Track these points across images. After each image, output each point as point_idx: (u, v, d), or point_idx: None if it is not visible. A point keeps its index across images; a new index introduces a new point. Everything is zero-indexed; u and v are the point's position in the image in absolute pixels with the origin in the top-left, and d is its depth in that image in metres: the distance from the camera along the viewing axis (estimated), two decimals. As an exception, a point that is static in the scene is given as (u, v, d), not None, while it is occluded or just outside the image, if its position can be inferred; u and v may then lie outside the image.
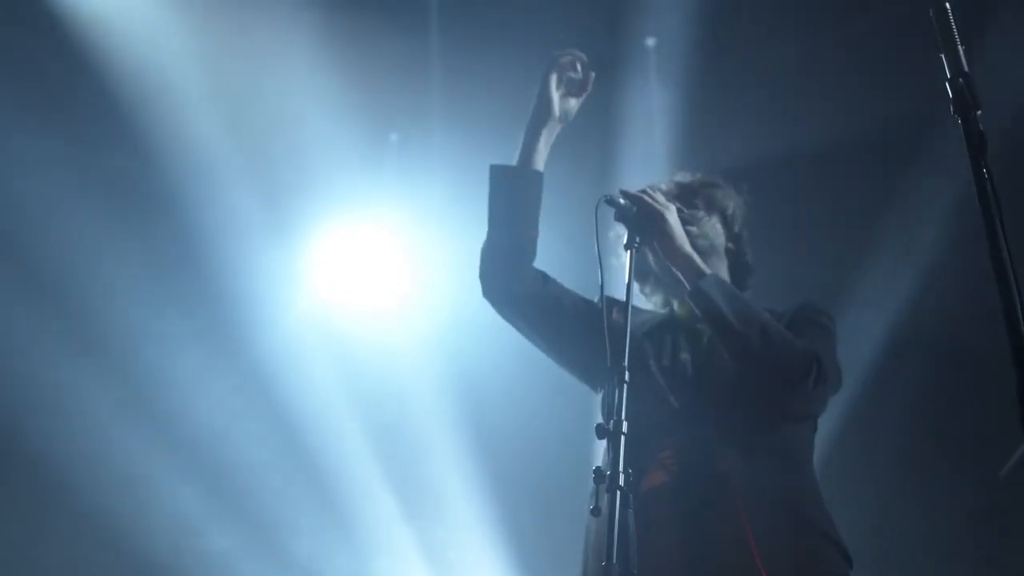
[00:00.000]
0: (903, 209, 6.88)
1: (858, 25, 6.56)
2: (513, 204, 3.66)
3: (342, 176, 7.42)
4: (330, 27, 6.70)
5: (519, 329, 3.72)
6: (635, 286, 3.64)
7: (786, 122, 6.85)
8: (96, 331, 7.29)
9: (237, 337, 7.59)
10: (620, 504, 2.79)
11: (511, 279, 3.64)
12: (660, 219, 3.44)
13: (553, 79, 3.68)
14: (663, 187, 3.74)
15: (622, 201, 3.42)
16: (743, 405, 3.36)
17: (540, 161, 3.70)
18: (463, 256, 7.38)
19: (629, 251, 3.32)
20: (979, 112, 2.40)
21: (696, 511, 3.25)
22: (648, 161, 6.94)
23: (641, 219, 3.41)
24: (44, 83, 6.91)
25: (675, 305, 3.74)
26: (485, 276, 3.67)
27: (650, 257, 3.61)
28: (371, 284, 7.89)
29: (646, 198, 3.47)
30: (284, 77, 6.94)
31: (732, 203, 3.78)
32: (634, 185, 3.58)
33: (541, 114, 3.68)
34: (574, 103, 3.72)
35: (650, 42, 7.35)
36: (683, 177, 3.83)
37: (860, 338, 6.77)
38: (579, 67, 3.70)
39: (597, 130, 6.91)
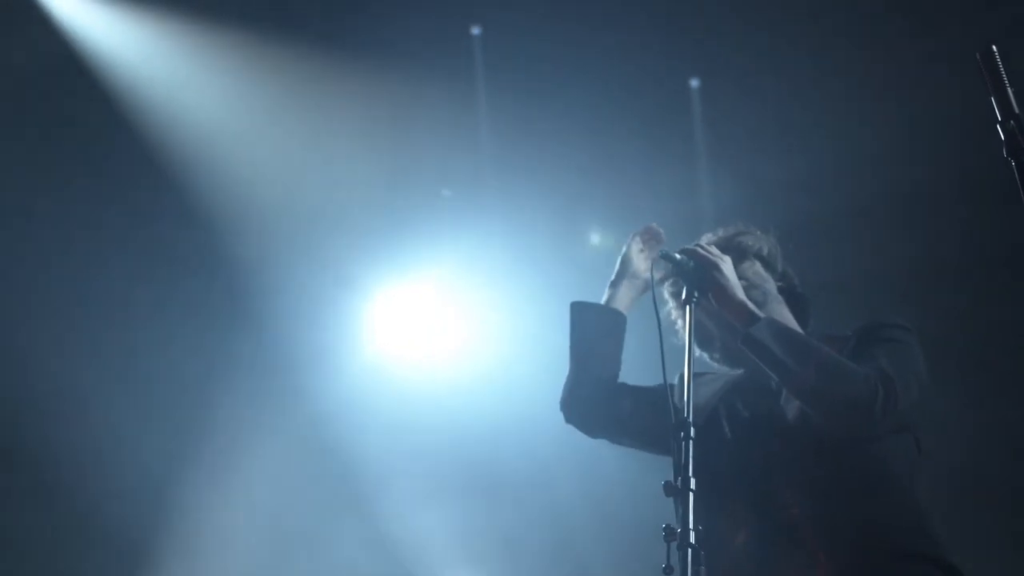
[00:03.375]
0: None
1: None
2: (593, 342, 3.73)
3: (398, 232, 7.52)
4: (379, 88, 6.81)
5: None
6: (703, 354, 3.70)
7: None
8: (161, 389, 7.44)
9: (299, 391, 7.67)
10: (692, 561, 2.80)
11: (593, 416, 3.74)
12: (715, 268, 3.45)
13: (637, 243, 3.83)
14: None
15: (678, 256, 3.45)
16: (813, 447, 3.35)
17: (622, 305, 3.78)
18: (515, 305, 7.57)
19: (688, 306, 3.35)
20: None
21: (770, 564, 3.26)
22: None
23: (697, 271, 3.43)
24: (108, 157, 7.07)
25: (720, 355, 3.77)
26: (567, 412, 3.76)
27: (706, 316, 3.61)
28: (427, 336, 7.95)
29: (700, 250, 3.50)
30: (337, 138, 7.04)
31: (765, 245, 3.80)
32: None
33: (623, 269, 3.81)
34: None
35: (694, 83, 7.38)
36: (713, 236, 3.84)
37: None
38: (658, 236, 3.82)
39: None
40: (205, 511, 7.38)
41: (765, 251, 3.78)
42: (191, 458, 7.46)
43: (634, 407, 3.65)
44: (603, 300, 3.79)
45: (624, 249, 3.82)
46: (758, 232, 3.83)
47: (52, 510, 7.19)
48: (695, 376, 3.30)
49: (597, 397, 3.70)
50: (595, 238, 7.72)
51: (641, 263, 3.78)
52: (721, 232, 3.83)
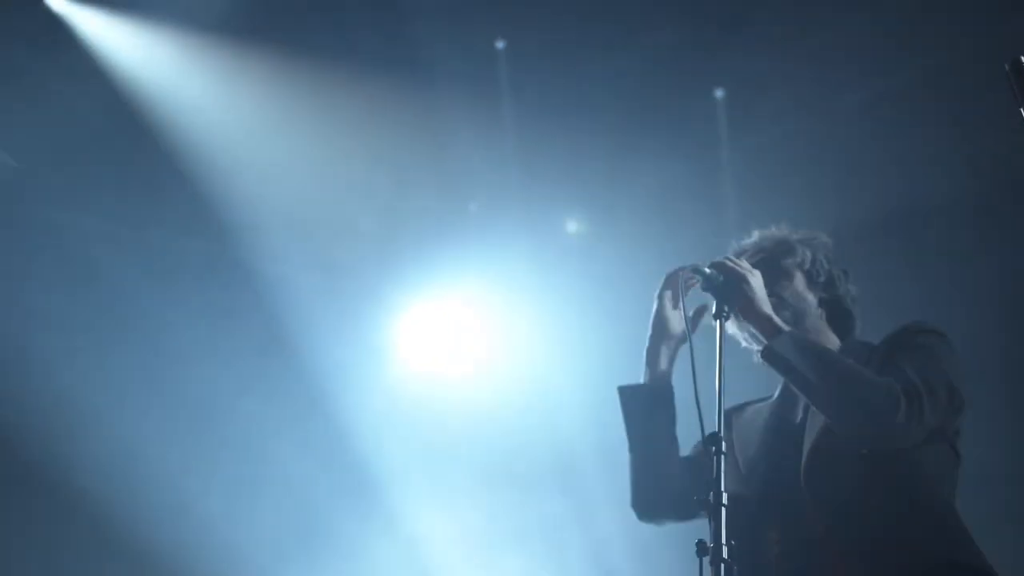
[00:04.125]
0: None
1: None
2: (648, 425, 3.62)
3: (426, 247, 7.56)
4: (405, 103, 6.84)
5: None
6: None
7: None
8: (187, 402, 7.51)
9: (326, 404, 7.71)
10: (724, 576, 2.80)
11: (665, 515, 3.66)
12: (744, 281, 3.44)
13: (668, 297, 3.64)
14: (746, 253, 3.73)
15: (708, 270, 3.45)
16: (838, 463, 3.33)
17: (666, 376, 3.64)
18: (541, 318, 7.59)
19: (719, 321, 3.35)
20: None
21: None
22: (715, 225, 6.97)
23: (727, 285, 3.43)
24: (136, 175, 7.14)
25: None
26: (638, 508, 3.67)
27: (738, 330, 3.60)
28: (454, 349, 7.99)
29: (729, 263, 3.49)
30: (363, 154, 7.09)
31: (809, 254, 3.72)
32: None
33: (659, 333, 3.64)
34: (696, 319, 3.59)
35: (719, 94, 7.38)
36: (756, 240, 3.80)
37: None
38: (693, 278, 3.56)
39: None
40: (232, 523, 7.41)
41: (808, 262, 3.70)
42: (217, 470, 7.52)
43: (693, 482, 3.47)
44: (643, 373, 3.66)
45: (655, 309, 3.64)
46: (805, 238, 3.76)
47: (81, 523, 7.22)
48: (744, 406, 3.31)
49: (664, 498, 3.60)
50: (571, 226, 7.69)
51: (677, 322, 3.61)
52: (760, 238, 3.78)
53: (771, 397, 3.70)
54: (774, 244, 3.73)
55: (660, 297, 3.64)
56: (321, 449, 7.67)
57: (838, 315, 3.70)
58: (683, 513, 3.56)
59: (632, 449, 3.64)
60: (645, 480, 3.61)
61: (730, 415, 3.45)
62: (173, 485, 7.29)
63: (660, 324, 3.63)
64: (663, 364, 3.62)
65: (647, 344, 3.66)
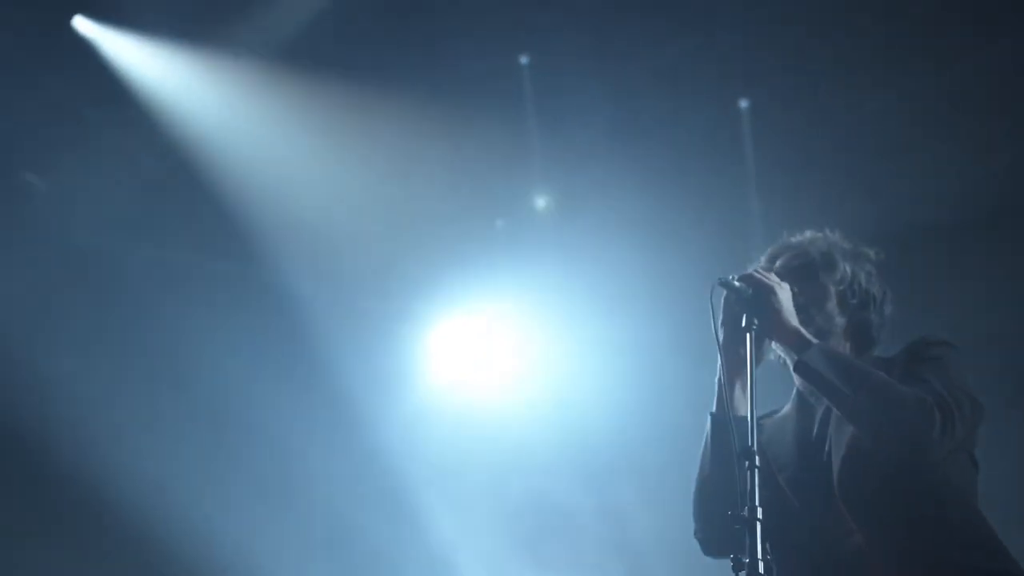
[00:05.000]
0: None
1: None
2: (729, 456, 3.32)
3: (454, 263, 7.60)
4: (432, 121, 6.88)
5: None
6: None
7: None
8: (219, 418, 7.60)
9: (358, 420, 7.77)
10: (761, 591, 2.80)
11: (733, 542, 3.34)
12: (771, 293, 3.42)
13: (720, 322, 3.48)
14: (776, 263, 3.69)
15: (737, 283, 3.43)
16: (871, 472, 3.32)
17: (743, 406, 3.41)
18: (570, 332, 7.61)
19: (749, 334, 3.34)
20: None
21: None
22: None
23: (755, 298, 3.41)
24: (169, 198, 7.21)
25: (797, 384, 3.64)
26: (706, 543, 3.53)
27: (766, 342, 3.54)
28: (484, 364, 8.02)
29: (757, 275, 3.48)
30: (392, 172, 7.14)
31: (848, 272, 3.64)
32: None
33: (731, 366, 3.44)
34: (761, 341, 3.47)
35: (743, 104, 7.37)
36: (804, 240, 3.72)
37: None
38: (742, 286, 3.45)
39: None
40: (262, 531, 7.49)
41: (846, 282, 3.62)
42: (250, 485, 7.58)
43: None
44: (718, 399, 3.49)
45: (721, 338, 3.46)
46: (851, 254, 3.67)
47: (117, 532, 7.31)
48: (762, 420, 3.28)
49: (732, 537, 3.27)
50: (540, 202, 7.66)
51: (741, 348, 3.40)
52: (809, 241, 3.70)
53: (780, 409, 3.67)
54: (819, 254, 3.65)
55: (725, 326, 3.47)
56: (350, 460, 7.74)
57: (861, 340, 3.64)
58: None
59: (707, 475, 3.49)
60: (715, 527, 3.41)
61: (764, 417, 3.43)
62: (203, 496, 7.38)
63: (728, 356, 3.44)
64: (737, 392, 3.46)
65: (718, 373, 3.47)
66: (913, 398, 3.25)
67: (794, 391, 3.66)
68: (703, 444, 3.54)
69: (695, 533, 3.56)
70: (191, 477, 7.41)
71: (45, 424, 7.06)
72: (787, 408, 3.65)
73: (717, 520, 3.37)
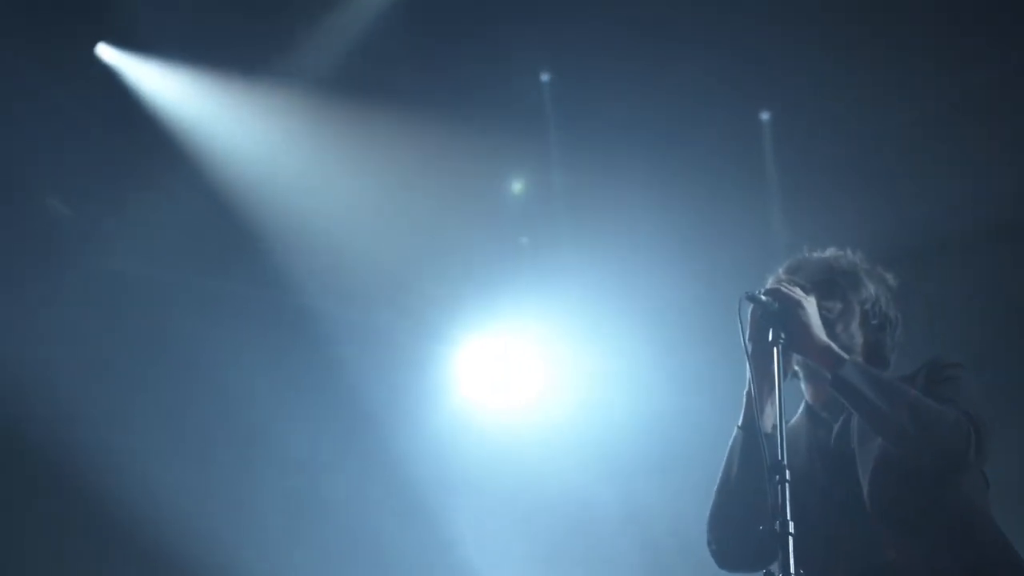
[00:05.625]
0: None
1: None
2: (755, 470, 3.30)
3: (479, 281, 7.63)
4: (453, 139, 6.91)
5: None
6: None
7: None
8: (252, 443, 7.67)
9: (386, 437, 7.79)
10: (796, 607, 2.79)
11: (750, 556, 3.42)
12: (798, 307, 3.42)
13: (747, 337, 3.44)
14: (797, 275, 3.68)
15: (763, 297, 3.43)
16: (903, 487, 3.33)
17: (770, 420, 3.40)
18: (595, 349, 7.61)
19: (776, 348, 3.34)
20: None
21: None
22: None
23: (782, 312, 3.40)
24: (194, 220, 7.25)
25: (808, 398, 3.66)
26: (721, 556, 3.53)
27: (792, 355, 3.53)
28: (509, 382, 8.04)
29: (783, 289, 3.47)
30: (414, 190, 7.17)
31: (872, 292, 3.66)
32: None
33: (759, 379, 3.40)
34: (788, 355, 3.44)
35: (764, 116, 7.37)
36: (827, 257, 3.74)
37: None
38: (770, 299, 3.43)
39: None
40: (292, 547, 7.55)
41: (870, 302, 3.65)
42: (277, 503, 7.62)
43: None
44: (745, 412, 3.49)
45: (750, 352, 3.42)
46: (875, 276, 3.70)
47: (156, 552, 7.34)
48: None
49: (750, 551, 3.37)
50: (516, 185, 7.64)
51: (770, 362, 3.37)
52: (832, 257, 3.71)
53: (787, 421, 3.65)
54: (844, 272, 3.67)
55: (753, 340, 3.43)
56: (375, 477, 7.78)
57: (874, 359, 3.63)
58: (764, 563, 3.27)
59: (733, 491, 3.47)
60: (739, 522, 3.42)
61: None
62: (229, 516, 7.41)
63: (758, 370, 3.39)
64: (768, 409, 3.41)
65: (748, 386, 3.44)
66: (951, 415, 3.27)
67: (803, 404, 3.67)
68: (727, 457, 3.53)
69: (709, 544, 3.55)
70: (219, 496, 7.47)
71: (74, 446, 7.10)
72: (795, 420, 3.64)
73: (735, 533, 3.43)
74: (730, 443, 3.54)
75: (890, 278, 3.75)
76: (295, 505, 7.76)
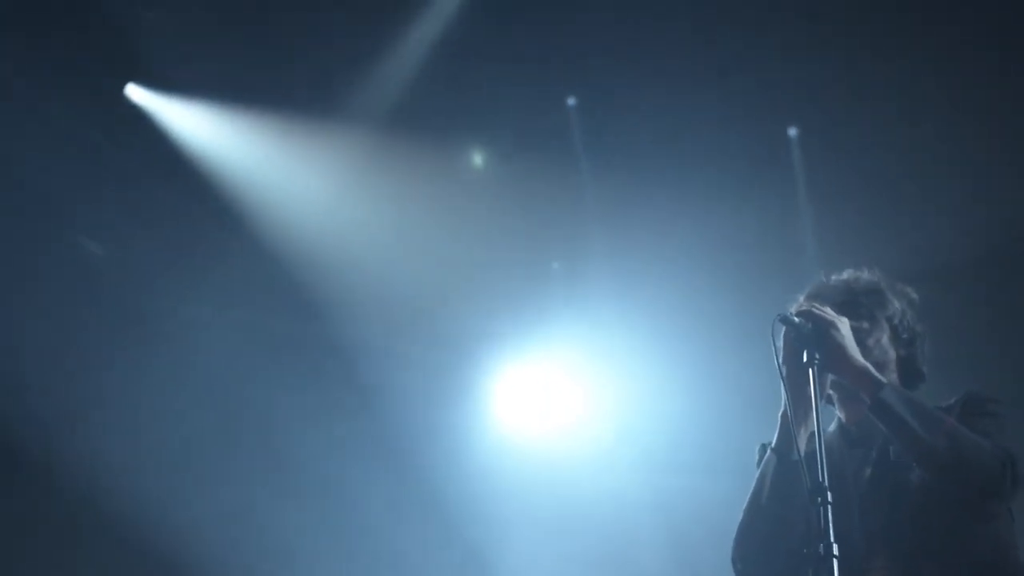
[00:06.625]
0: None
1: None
2: (789, 491, 3.30)
3: (513, 308, 7.64)
4: (482, 168, 6.93)
5: None
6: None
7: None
8: (294, 473, 7.72)
9: (424, 467, 7.81)
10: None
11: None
12: (831, 327, 3.38)
13: (781, 359, 3.39)
14: (821, 300, 3.64)
15: (796, 319, 3.39)
16: (939, 519, 3.30)
17: (804, 444, 3.34)
18: (630, 372, 7.61)
19: (811, 369, 3.30)
20: None
21: None
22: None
23: (816, 333, 3.37)
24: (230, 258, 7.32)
25: (841, 419, 3.63)
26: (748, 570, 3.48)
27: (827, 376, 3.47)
28: (547, 408, 8.05)
29: (815, 311, 3.43)
30: (448, 221, 7.20)
31: (898, 308, 3.64)
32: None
33: (794, 401, 3.35)
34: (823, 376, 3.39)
35: (792, 132, 7.36)
36: (848, 279, 3.71)
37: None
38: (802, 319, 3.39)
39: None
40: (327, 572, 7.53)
41: (896, 318, 3.62)
42: (318, 534, 7.65)
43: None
44: (779, 435, 3.44)
45: (784, 373, 3.38)
46: (898, 291, 3.68)
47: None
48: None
49: (775, 572, 3.38)
50: (477, 159, 7.51)
51: (807, 385, 3.32)
52: (851, 279, 3.68)
53: (836, 432, 3.61)
54: (866, 291, 3.65)
55: (787, 363, 3.39)
56: (416, 505, 7.79)
57: (911, 374, 3.63)
58: None
59: (763, 510, 3.44)
60: (767, 543, 3.42)
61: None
62: (269, 538, 7.54)
63: (795, 393, 3.34)
64: (802, 432, 3.36)
65: (784, 407, 3.40)
66: (988, 446, 3.25)
67: (836, 422, 3.63)
68: (758, 477, 3.49)
69: (734, 563, 3.50)
70: (254, 521, 7.54)
71: (124, 482, 7.17)
72: (828, 438, 3.47)
73: (762, 553, 3.41)
74: (761, 465, 3.51)
75: (911, 292, 3.72)
76: (331, 529, 7.78)
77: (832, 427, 3.64)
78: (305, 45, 6.59)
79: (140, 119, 6.91)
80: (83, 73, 6.61)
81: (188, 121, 6.92)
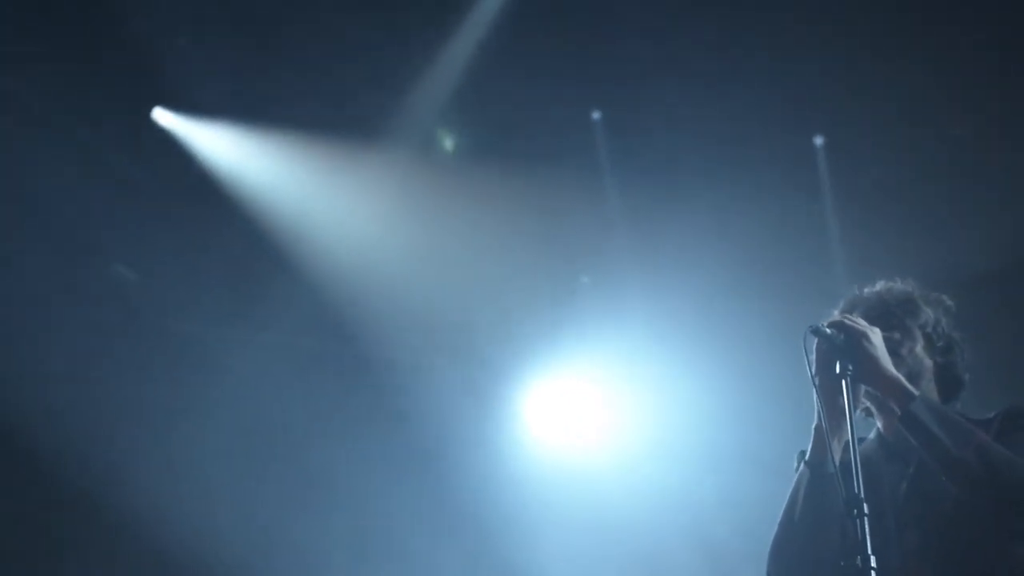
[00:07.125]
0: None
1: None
2: (826, 503, 3.29)
3: (543, 323, 7.65)
4: (508, 183, 6.95)
5: None
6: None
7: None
8: (327, 491, 7.75)
9: (456, 481, 7.82)
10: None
11: None
12: (863, 338, 3.36)
13: (814, 371, 3.36)
14: (855, 312, 3.62)
15: (828, 330, 3.38)
16: (973, 537, 3.28)
17: (838, 456, 3.32)
18: (660, 384, 7.61)
19: (844, 380, 3.29)
20: None
21: None
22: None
23: (848, 344, 3.35)
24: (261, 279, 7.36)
25: (882, 429, 3.59)
26: None
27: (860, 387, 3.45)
28: (577, 421, 8.05)
29: (847, 321, 3.42)
30: (476, 237, 7.22)
31: (931, 316, 3.61)
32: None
33: (828, 412, 3.34)
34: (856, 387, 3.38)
35: (818, 141, 7.35)
36: (880, 291, 3.69)
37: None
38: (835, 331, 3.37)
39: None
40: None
41: (930, 326, 3.59)
42: (352, 550, 7.68)
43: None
44: (814, 447, 3.42)
45: (817, 384, 3.35)
46: (931, 299, 3.65)
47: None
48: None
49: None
50: (448, 143, 7.44)
51: (840, 397, 3.32)
52: (883, 290, 3.67)
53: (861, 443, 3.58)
54: (899, 301, 3.62)
55: (819, 374, 3.36)
56: (445, 517, 7.83)
57: (949, 382, 3.60)
58: None
59: (798, 527, 3.42)
60: (803, 556, 3.40)
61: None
62: (301, 554, 7.61)
63: (828, 405, 3.33)
64: (835, 444, 3.34)
65: (817, 420, 3.39)
66: (1020, 464, 3.21)
67: (875, 432, 3.60)
68: (792, 490, 3.47)
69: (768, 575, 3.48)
70: (287, 536, 7.62)
71: (159, 502, 7.24)
72: (866, 446, 3.53)
73: (796, 567, 3.38)
74: (796, 477, 3.49)
75: (947, 300, 3.69)
76: (364, 545, 7.83)
77: (871, 436, 3.61)
78: (333, 66, 6.63)
79: (168, 143, 6.96)
80: (111, 98, 6.66)
81: (216, 144, 6.97)
